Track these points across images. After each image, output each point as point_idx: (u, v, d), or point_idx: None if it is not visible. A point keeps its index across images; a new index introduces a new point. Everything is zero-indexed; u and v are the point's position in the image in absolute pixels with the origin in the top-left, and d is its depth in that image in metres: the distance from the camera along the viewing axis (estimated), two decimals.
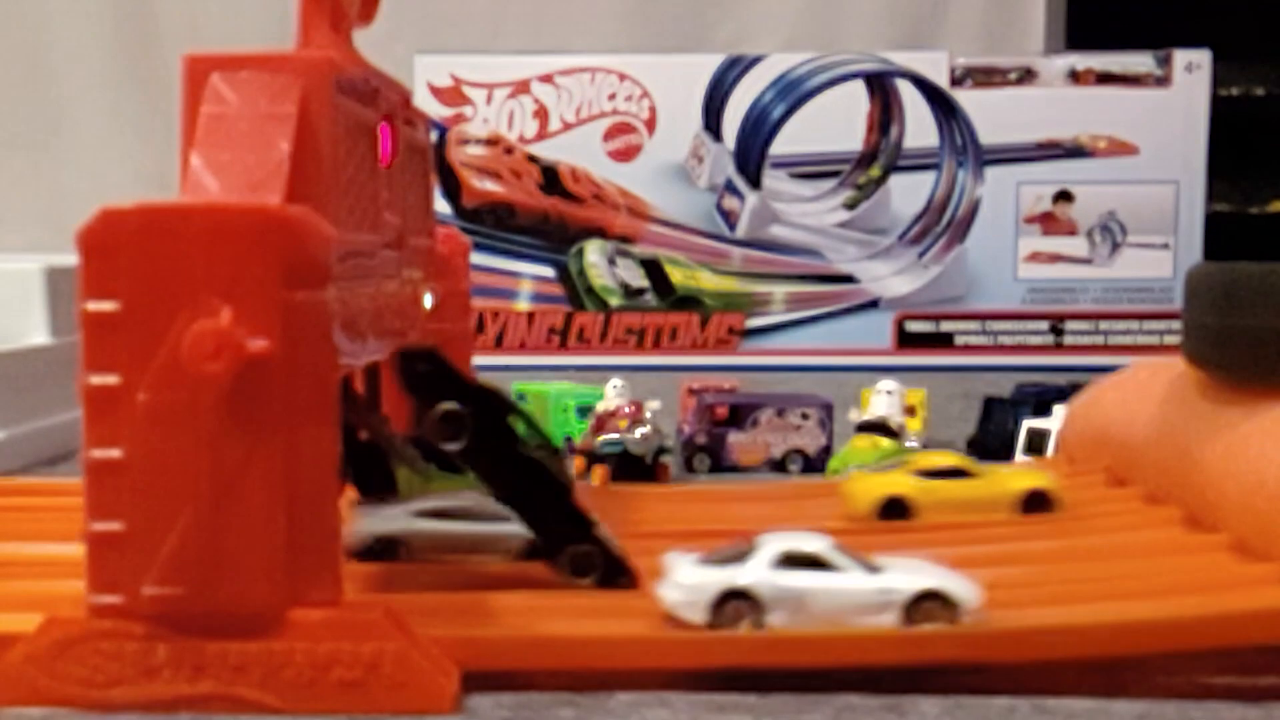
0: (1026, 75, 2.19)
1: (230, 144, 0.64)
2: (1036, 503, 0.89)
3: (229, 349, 0.59)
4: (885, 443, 1.16)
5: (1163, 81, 2.17)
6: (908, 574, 0.66)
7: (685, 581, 0.66)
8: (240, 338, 0.59)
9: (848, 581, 0.65)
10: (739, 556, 0.67)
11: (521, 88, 2.21)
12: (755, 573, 0.65)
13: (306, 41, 0.73)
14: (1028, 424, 1.15)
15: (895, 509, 0.89)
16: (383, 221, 0.77)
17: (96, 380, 0.61)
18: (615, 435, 1.14)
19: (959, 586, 0.66)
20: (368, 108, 0.74)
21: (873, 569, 0.66)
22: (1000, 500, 0.89)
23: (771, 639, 0.65)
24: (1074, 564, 0.77)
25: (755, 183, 2.21)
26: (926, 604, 0.65)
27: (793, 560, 0.66)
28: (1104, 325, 2.21)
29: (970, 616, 0.65)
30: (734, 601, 0.65)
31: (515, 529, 0.79)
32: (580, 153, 2.21)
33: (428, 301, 0.92)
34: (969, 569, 0.76)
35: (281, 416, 0.61)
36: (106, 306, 0.61)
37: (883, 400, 1.22)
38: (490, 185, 2.22)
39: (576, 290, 2.22)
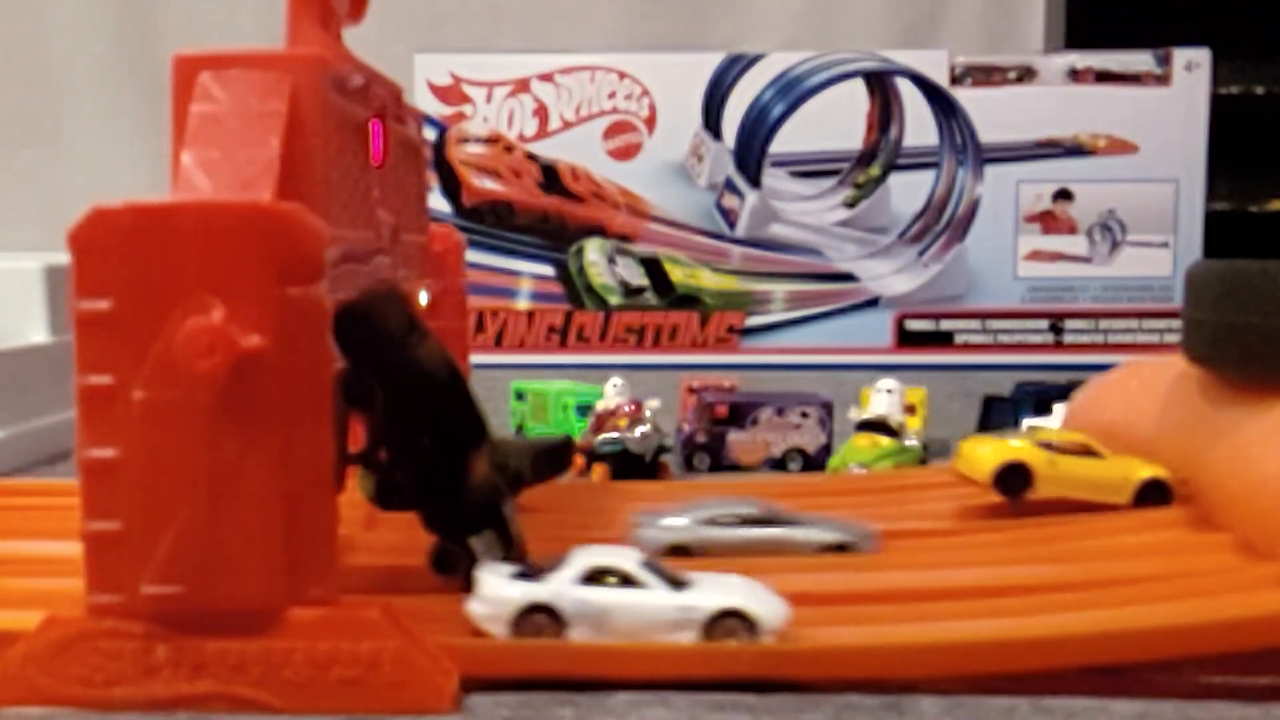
0: (1026, 74, 2.19)
1: (220, 142, 0.64)
2: (1154, 493, 0.87)
3: (222, 346, 0.59)
4: (885, 441, 1.16)
5: (1162, 80, 2.17)
6: (713, 592, 0.66)
7: (489, 595, 0.66)
8: (234, 335, 0.59)
9: (650, 598, 0.65)
10: (547, 571, 0.67)
11: (521, 86, 2.21)
12: (557, 587, 0.66)
13: (295, 39, 0.73)
14: (1028, 423, 1.15)
15: (1016, 475, 0.87)
16: (375, 219, 0.77)
17: (91, 380, 0.61)
18: (615, 434, 1.14)
19: (763, 606, 0.65)
20: (359, 105, 0.74)
21: (679, 586, 0.66)
22: (1120, 485, 0.87)
23: (773, 651, 0.65)
24: (1076, 564, 0.77)
25: (755, 181, 2.20)
26: (726, 622, 0.65)
27: (598, 576, 0.66)
28: (1104, 324, 2.21)
29: (769, 636, 0.65)
30: (535, 615, 0.65)
31: (811, 533, 0.80)
32: (580, 151, 2.21)
33: (422, 299, 0.92)
34: (968, 569, 0.76)
35: (277, 413, 0.61)
36: (99, 306, 0.61)
37: (883, 399, 1.22)
38: (490, 184, 2.22)
39: (576, 289, 2.22)
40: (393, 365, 0.71)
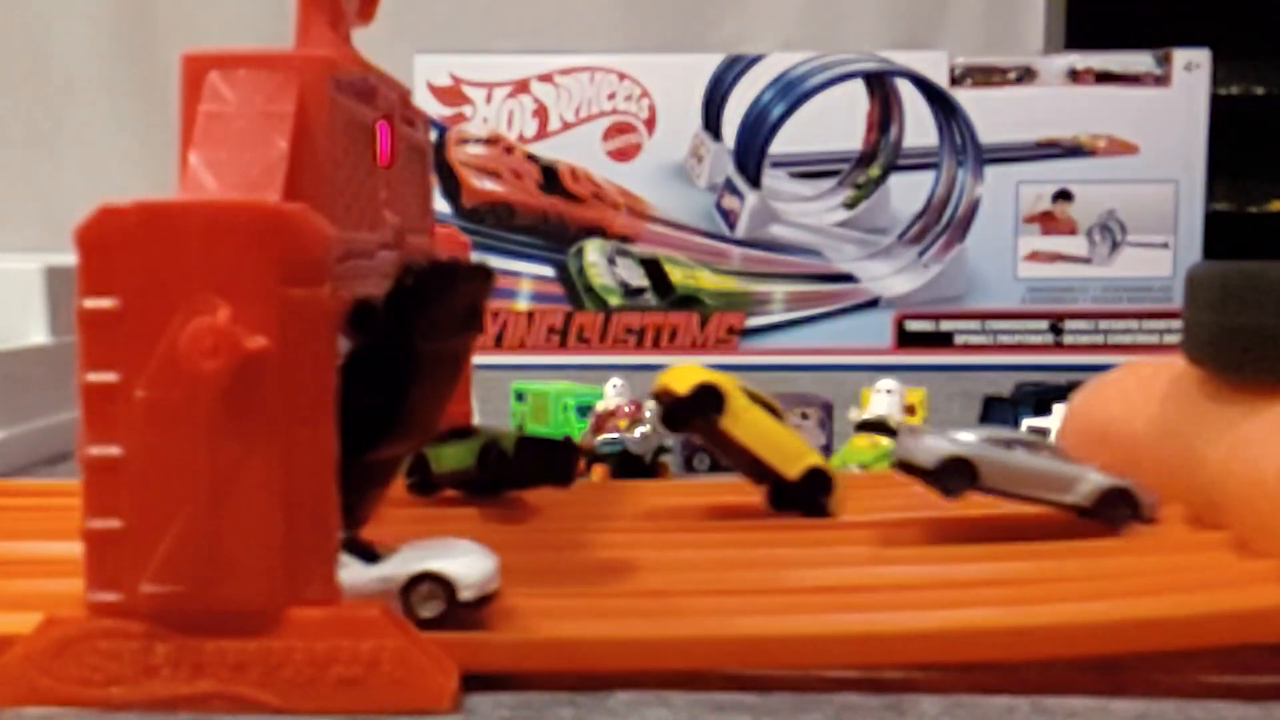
0: (1026, 74, 2.19)
1: (228, 142, 0.64)
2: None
3: (227, 346, 0.59)
4: (885, 442, 1.16)
5: (1162, 81, 2.17)
6: (413, 558, 0.66)
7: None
8: (238, 335, 0.59)
9: (347, 575, 0.65)
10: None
11: (521, 87, 2.21)
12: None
13: (304, 40, 0.72)
14: (1027, 423, 1.15)
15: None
16: (381, 220, 0.77)
17: (94, 378, 0.61)
18: (615, 435, 1.14)
19: (462, 566, 0.66)
20: (366, 106, 0.74)
21: (375, 558, 0.66)
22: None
23: (771, 639, 0.65)
24: (1075, 560, 0.77)
25: (755, 182, 2.21)
26: (423, 585, 0.65)
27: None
28: (1104, 324, 2.21)
29: (470, 592, 0.65)
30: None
31: (1090, 476, 0.80)
32: (580, 152, 2.21)
33: None
34: (966, 565, 0.76)
35: (279, 414, 0.61)
36: (104, 304, 0.61)
37: (882, 399, 1.22)
38: (490, 185, 2.22)
39: (576, 290, 2.22)
40: (400, 330, 0.71)
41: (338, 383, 0.63)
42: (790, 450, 0.90)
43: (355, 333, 0.69)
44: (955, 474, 0.81)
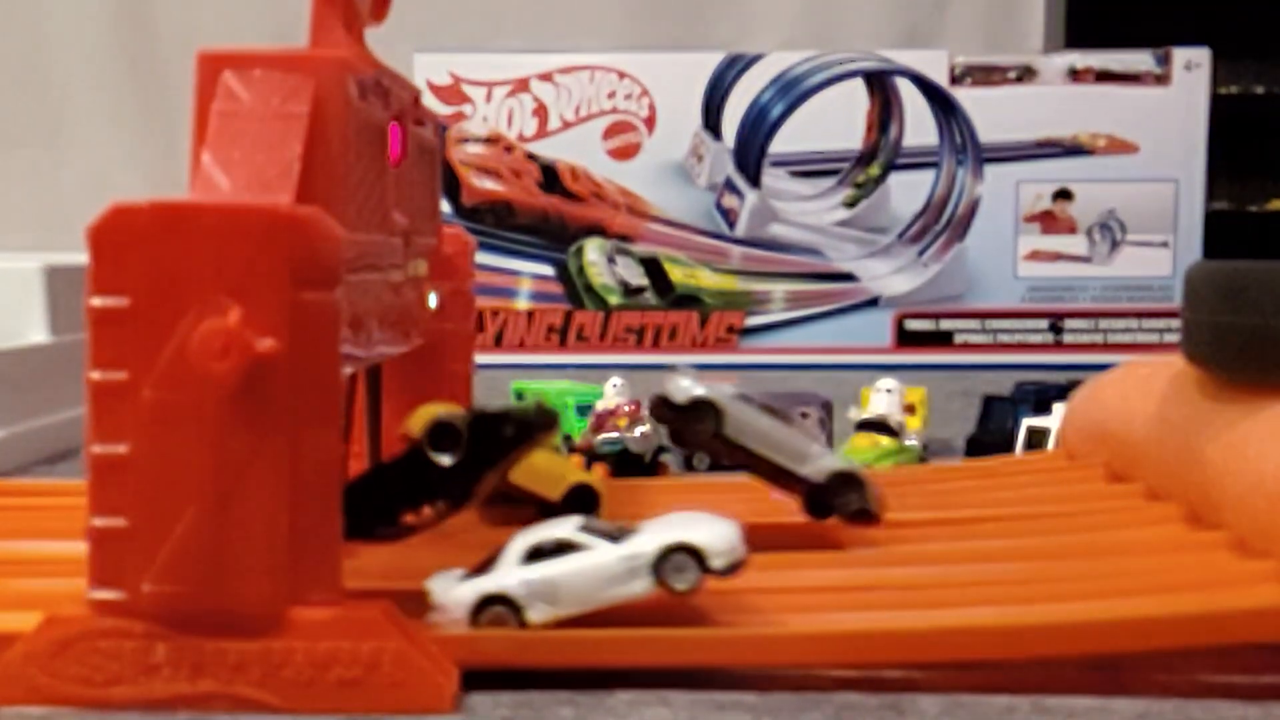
0: (1026, 73, 2.19)
1: (241, 142, 0.64)
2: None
3: (237, 348, 0.59)
4: (885, 441, 1.16)
5: (1162, 80, 2.17)
6: (657, 533, 0.66)
7: (441, 600, 0.66)
8: (248, 337, 0.59)
9: (594, 558, 0.65)
10: (491, 562, 0.67)
11: (521, 86, 2.21)
12: (504, 574, 0.66)
13: (319, 41, 0.72)
14: (1027, 422, 1.15)
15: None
16: (391, 221, 0.77)
17: (103, 376, 0.61)
18: (615, 434, 1.14)
19: (710, 536, 0.65)
20: (379, 107, 0.74)
21: (618, 537, 0.66)
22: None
23: (775, 638, 0.65)
24: (1074, 560, 0.77)
25: (755, 181, 2.21)
26: (674, 558, 0.65)
27: (540, 551, 0.66)
28: (1103, 323, 2.21)
29: (721, 559, 0.65)
30: (491, 608, 0.65)
31: (827, 458, 0.81)
32: (580, 151, 2.21)
33: (432, 301, 0.92)
34: (964, 565, 0.76)
35: (286, 416, 0.61)
36: (115, 302, 0.61)
37: (882, 398, 1.22)
38: (490, 184, 2.22)
39: (576, 289, 2.22)
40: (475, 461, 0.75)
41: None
42: (551, 473, 0.90)
43: (434, 450, 0.72)
44: (700, 415, 0.81)
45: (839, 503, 0.82)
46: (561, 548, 0.66)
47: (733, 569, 0.66)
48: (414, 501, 0.75)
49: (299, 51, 0.68)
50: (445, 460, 0.73)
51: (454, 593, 0.66)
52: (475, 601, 0.65)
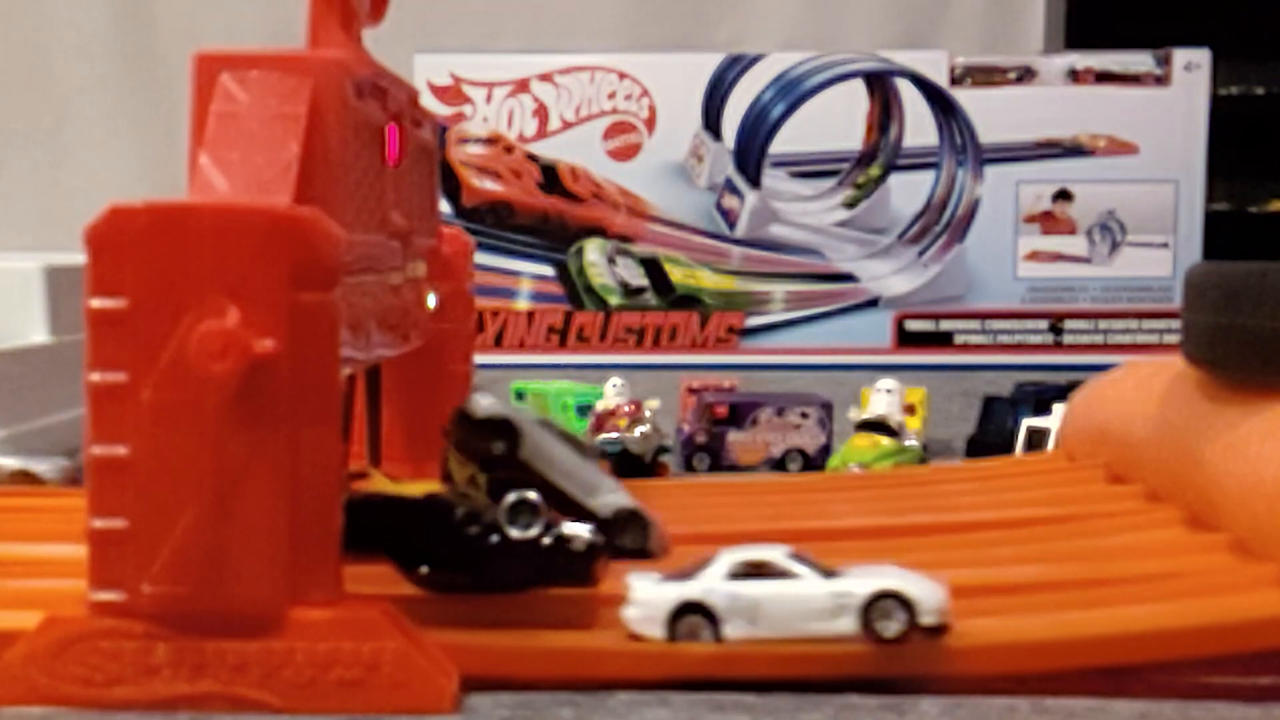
0: (1026, 74, 2.19)
1: (239, 143, 0.64)
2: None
3: (236, 349, 0.59)
4: (885, 441, 1.16)
5: (1162, 80, 2.17)
6: (866, 577, 0.66)
7: (641, 598, 0.66)
8: (247, 338, 0.59)
9: (803, 587, 0.65)
10: (696, 570, 0.67)
11: (521, 86, 2.21)
12: (709, 584, 0.65)
13: (317, 41, 0.73)
14: (1027, 423, 1.15)
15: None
16: (389, 222, 0.77)
17: (102, 378, 0.61)
18: (615, 434, 1.14)
19: (920, 588, 0.65)
20: (377, 108, 0.74)
21: (830, 574, 0.66)
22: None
23: (771, 652, 0.65)
24: (1071, 565, 0.77)
25: (755, 182, 2.21)
26: (883, 603, 0.64)
27: (748, 570, 0.66)
28: (1103, 324, 2.21)
29: (931, 617, 0.64)
30: (689, 615, 0.65)
31: (616, 495, 0.79)
32: (580, 152, 2.21)
33: (431, 301, 0.92)
34: (965, 570, 0.76)
35: (286, 417, 0.61)
36: (113, 304, 0.61)
37: (882, 399, 1.22)
38: (490, 184, 2.22)
39: (576, 289, 2.22)
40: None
41: None
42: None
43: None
44: (496, 433, 0.80)
45: (619, 540, 0.80)
46: (770, 571, 0.66)
47: (939, 631, 0.65)
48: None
49: (296, 53, 0.68)
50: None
51: (654, 593, 0.66)
52: (675, 606, 0.65)
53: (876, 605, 0.64)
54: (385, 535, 0.69)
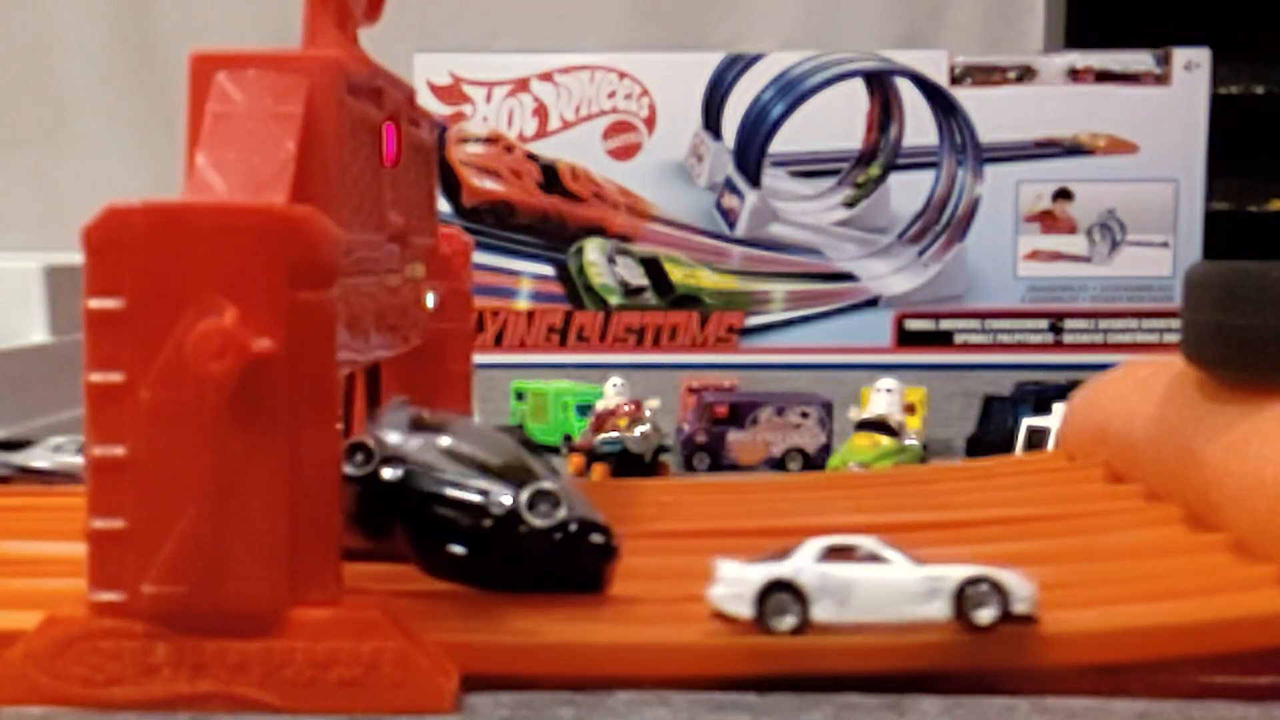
0: (1026, 73, 2.19)
1: (236, 143, 0.64)
2: None
3: (234, 349, 0.59)
4: (885, 441, 1.16)
5: (1162, 80, 2.17)
6: (962, 565, 0.65)
7: (730, 576, 0.65)
8: (245, 337, 0.59)
9: (895, 571, 0.65)
10: (785, 553, 0.66)
11: (521, 86, 2.21)
12: (799, 564, 0.65)
13: (312, 41, 0.73)
14: (1027, 422, 1.15)
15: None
16: (387, 221, 0.77)
17: (100, 377, 0.61)
18: (614, 434, 1.14)
19: (1014, 579, 0.65)
20: (373, 107, 0.74)
21: (919, 560, 0.66)
22: None
23: (775, 646, 0.65)
24: (1070, 565, 0.77)
25: (755, 181, 2.21)
26: (979, 589, 0.64)
27: (838, 553, 0.65)
28: (1103, 324, 2.21)
29: (1023, 605, 0.64)
30: (778, 594, 0.64)
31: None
32: (580, 151, 2.21)
33: (430, 301, 0.92)
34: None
35: (284, 416, 0.61)
36: (111, 304, 0.61)
37: (882, 398, 1.22)
38: (490, 184, 2.22)
39: (576, 289, 2.22)
40: None
41: None
42: None
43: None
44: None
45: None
46: (861, 555, 0.65)
47: (1026, 620, 0.64)
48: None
49: (292, 52, 0.68)
50: None
51: (742, 572, 0.65)
52: (764, 584, 0.64)
53: (970, 591, 0.64)
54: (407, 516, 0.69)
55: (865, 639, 0.65)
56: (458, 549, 0.69)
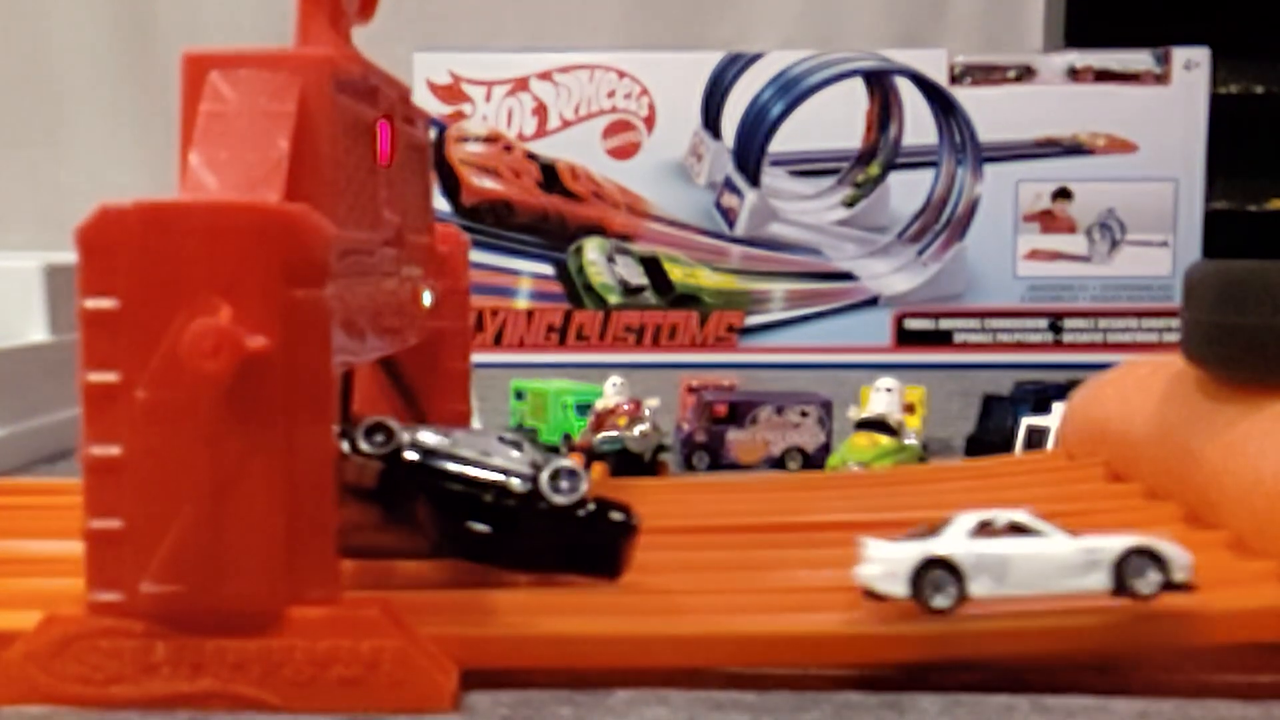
0: (1025, 73, 2.19)
1: (229, 142, 0.64)
2: None
3: (228, 347, 0.59)
4: (884, 440, 1.16)
5: (1162, 79, 2.17)
6: (1117, 537, 0.64)
7: (882, 554, 0.65)
8: (239, 336, 0.59)
9: (1051, 545, 0.64)
10: (935, 530, 0.66)
11: (521, 85, 2.21)
12: (954, 541, 0.64)
13: (305, 39, 0.72)
14: (1027, 421, 1.15)
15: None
16: (382, 219, 0.77)
17: (95, 378, 0.61)
18: (614, 433, 1.14)
19: (1172, 548, 0.64)
20: (367, 105, 0.74)
21: (1072, 533, 0.65)
22: None
23: (776, 637, 0.65)
24: None
25: (754, 180, 2.21)
26: (1139, 560, 0.63)
27: (991, 528, 0.65)
28: (1103, 323, 2.21)
29: (1182, 574, 0.63)
30: (934, 571, 0.63)
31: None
32: (579, 150, 2.21)
33: (427, 299, 0.92)
34: None
35: (280, 414, 0.61)
36: (105, 304, 0.61)
37: (882, 398, 1.22)
38: (489, 183, 2.22)
39: (575, 288, 2.22)
40: None
41: None
42: None
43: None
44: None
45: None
46: (1015, 529, 0.65)
47: (1185, 587, 0.64)
48: None
49: (285, 51, 0.68)
50: None
51: (898, 549, 0.64)
52: (919, 562, 0.63)
53: (1130, 561, 0.63)
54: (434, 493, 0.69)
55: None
56: (480, 526, 0.69)
